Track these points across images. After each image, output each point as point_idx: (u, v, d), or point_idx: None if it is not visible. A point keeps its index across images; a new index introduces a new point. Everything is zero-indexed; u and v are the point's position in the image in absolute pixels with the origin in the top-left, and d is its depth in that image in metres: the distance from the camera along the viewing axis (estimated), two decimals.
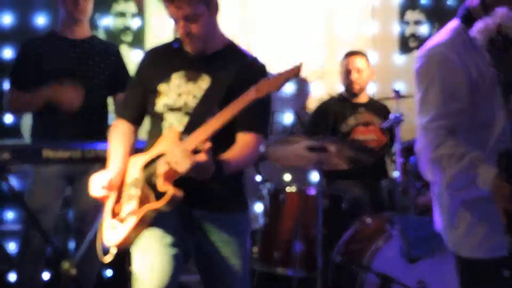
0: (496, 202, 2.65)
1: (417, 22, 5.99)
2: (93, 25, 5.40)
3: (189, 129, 2.95)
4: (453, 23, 2.99)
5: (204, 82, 3.06)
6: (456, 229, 3.01)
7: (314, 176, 4.71)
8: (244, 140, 3.02)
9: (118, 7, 5.63)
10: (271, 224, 4.75)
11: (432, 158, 2.76)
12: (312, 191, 4.70)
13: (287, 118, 5.90)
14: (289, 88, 5.87)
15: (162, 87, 3.09)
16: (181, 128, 3.00)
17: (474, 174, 2.66)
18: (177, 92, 3.07)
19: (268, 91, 2.80)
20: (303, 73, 5.69)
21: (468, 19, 2.98)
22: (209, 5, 3.01)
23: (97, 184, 3.08)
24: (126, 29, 5.66)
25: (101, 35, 5.46)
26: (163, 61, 3.17)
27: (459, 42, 2.89)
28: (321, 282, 4.36)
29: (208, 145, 2.76)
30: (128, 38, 5.66)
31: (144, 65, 3.26)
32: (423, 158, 2.85)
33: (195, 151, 2.78)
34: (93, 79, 4.55)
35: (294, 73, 2.78)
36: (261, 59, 3.22)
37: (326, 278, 4.45)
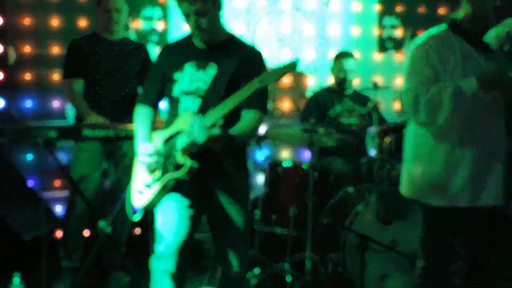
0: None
1: (393, 27, 5.98)
2: (125, 27, 5.43)
3: (201, 110, 3.00)
4: (442, 27, 3.07)
5: (212, 70, 3.09)
6: (422, 181, 3.08)
7: (307, 153, 4.72)
8: (248, 116, 3.08)
9: (146, 12, 5.63)
10: (270, 193, 4.75)
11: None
12: (305, 166, 4.69)
13: (285, 105, 5.91)
14: (288, 80, 5.89)
15: (177, 75, 3.12)
16: (195, 109, 3.04)
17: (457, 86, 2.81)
18: (190, 79, 3.10)
19: (270, 81, 2.84)
20: (300, 68, 5.77)
21: (454, 26, 3.02)
22: (215, 2, 3.05)
23: (144, 153, 3.09)
24: (153, 30, 5.65)
25: (131, 35, 5.46)
26: (176, 54, 3.20)
27: (440, 41, 2.99)
28: (311, 240, 4.38)
29: (221, 121, 2.82)
30: (154, 38, 5.65)
31: (161, 59, 3.29)
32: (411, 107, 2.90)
33: (211, 126, 2.82)
34: (128, 72, 4.59)
35: (292, 67, 2.82)
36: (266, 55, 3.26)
37: (315, 237, 4.44)
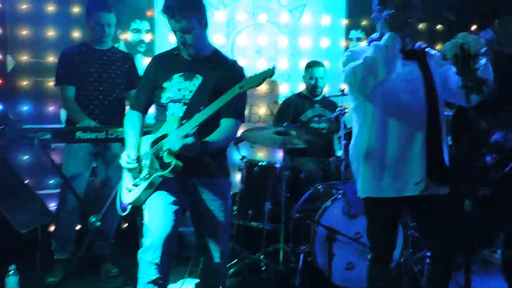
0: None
1: (358, 39, 6.00)
2: (116, 38, 5.41)
3: (186, 116, 3.01)
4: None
5: (197, 80, 3.10)
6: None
7: (280, 154, 4.73)
8: (226, 124, 3.10)
9: (135, 25, 5.60)
10: (247, 189, 4.75)
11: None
12: (278, 165, 4.69)
13: (261, 110, 5.91)
14: (263, 87, 5.89)
15: (165, 84, 3.13)
16: (180, 115, 3.05)
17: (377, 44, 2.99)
18: (177, 88, 3.11)
19: (250, 86, 2.85)
20: (274, 76, 5.77)
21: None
22: (201, 22, 3.07)
23: (127, 159, 3.11)
24: (141, 41, 5.63)
25: (121, 46, 5.44)
26: (166, 65, 3.20)
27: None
28: (284, 232, 4.42)
29: (194, 131, 2.85)
30: (142, 48, 5.63)
31: (151, 68, 3.28)
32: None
33: (185, 136, 2.84)
34: (115, 79, 4.57)
35: (269, 74, 2.83)
36: (244, 64, 3.28)
37: (287, 230, 4.48)
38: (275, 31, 5.89)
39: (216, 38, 5.68)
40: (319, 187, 4.62)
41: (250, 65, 5.78)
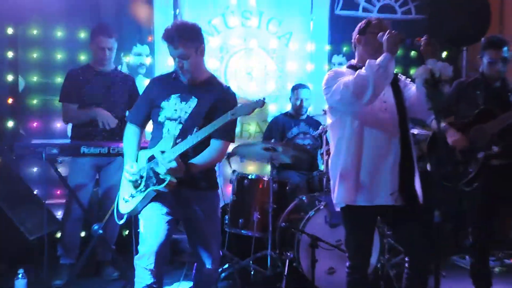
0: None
1: (340, 63, 6.00)
2: (119, 61, 5.40)
3: (181, 135, 3.00)
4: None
5: (193, 102, 3.09)
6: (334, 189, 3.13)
7: (268, 168, 4.70)
8: (215, 145, 3.08)
9: (136, 49, 5.59)
10: (238, 200, 4.70)
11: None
12: (266, 178, 4.66)
13: (252, 128, 5.89)
14: None
15: (163, 104, 3.11)
16: (175, 133, 3.03)
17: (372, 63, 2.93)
18: (174, 108, 3.10)
19: (240, 114, 2.83)
20: (264, 95, 5.75)
21: (351, 67, 3.20)
22: (197, 49, 3.07)
23: (130, 170, 3.09)
24: (142, 64, 5.61)
25: (124, 68, 5.42)
26: (165, 86, 3.19)
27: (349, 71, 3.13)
28: (271, 240, 4.39)
29: (177, 156, 2.88)
30: (143, 71, 5.61)
31: (151, 87, 3.28)
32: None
33: (170, 161, 2.89)
34: (117, 98, 4.54)
35: (259, 105, 2.82)
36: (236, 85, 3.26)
37: (274, 237, 4.44)
38: (265, 56, 5.87)
39: (211, 62, 5.66)
40: (303, 198, 4.58)
41: (242, 87, 5.78)
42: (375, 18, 3.25)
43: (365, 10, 6.17)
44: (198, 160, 3.01)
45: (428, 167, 4.15)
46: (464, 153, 3.87)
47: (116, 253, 4.42)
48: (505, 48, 3.84)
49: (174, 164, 2.86)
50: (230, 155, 4.80)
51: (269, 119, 5.69)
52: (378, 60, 2.94)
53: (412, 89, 3.11)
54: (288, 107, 5.57)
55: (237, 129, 5.71)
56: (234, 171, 4.81)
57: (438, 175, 4.03)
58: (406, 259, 3.20)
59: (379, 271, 4.41)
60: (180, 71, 3.08)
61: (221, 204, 4.91)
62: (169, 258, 4.67)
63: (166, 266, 4.45)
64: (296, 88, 5.40)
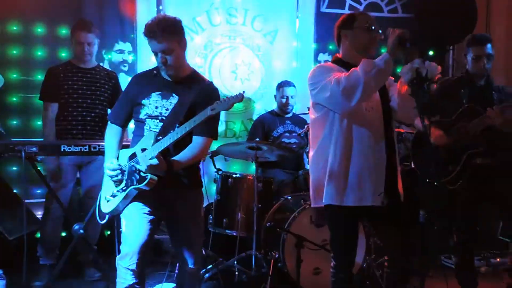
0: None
1: (326, 61, 5.99)
2: (101, 58, 5.35)
3: (162, 132, 2.96)
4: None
5: (174, 99, 3.05)
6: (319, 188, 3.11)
7: (253, 167, 4.69)
8: (197, 142, 3.05)
9: (118, 46, 5.55)
10: (222, 200, 4.68)
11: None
12: (251, 177, 4.64)
13: (237, 126, 5.86)
14: (238, 105, 5.84)
15: (144, 101, 3.07)
16: (156, 130, 3.00)
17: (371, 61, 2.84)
18: (155, 106, 3.06)
19: (220, 109, 2.81)
20: (249, 95, 5.76)
21: (337, 61, 3.16)
22: (180, 43, 3.02)
23: (111, 166, 3.05)
24: (124, 61, 5.57)
25: (106, 65, 5.37)
26: (145, 83, 3.14)
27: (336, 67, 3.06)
28: (256, 240, 4.37)
29: (158, 154, 2.84)
30: (125, 68, 5.57)
31: (131, 86, 3.23)
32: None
33: (151, 158, 2.85)
34: (99, 96, 4.51)
35: (238, 99, 2.79)
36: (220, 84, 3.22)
37: (259, 237, 4.42)
38: (250, 54, 5.85)
39: (195, 60, 5.64)
40: (288, 197, 4.58)
41: (226, 85, 5.75)
42: (360, 12, 3.22)
43: (351, 8, 6.18)
44: (180, 157, 2.98)
45: (412, 165, 4.17)
46: (448, 152, 3.89)
47: (97, 253, 4.38)
48: (489, 45, 3.86)
49: (155, 162, 2.82)
50: (214, 154, 4.78)
51: (255, 118, 5.67)
52: (376, 60, 2.87)
53: (396, 88, 3.09)
54: (273, 106, 5.55)
55: (222, 128, 5.78)
56: (218, 170, 4.78)
57: (423, 173, 4.04)
58: (386, 257, 3.22)
59: (365, 271, 4.41)
60: (164, 67, 3.03)
61: (205, 203, 4.93)
62: (152, 259, 4.67)
63: (148, 266, 4.46)
64: (281, 86, 5.38)
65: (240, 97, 2.78)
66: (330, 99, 2.95)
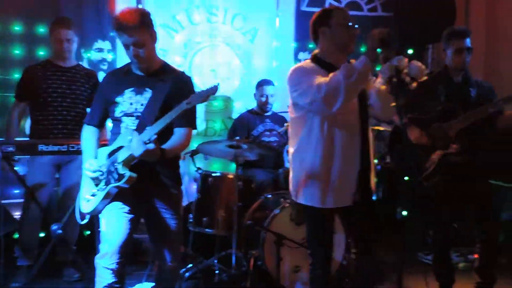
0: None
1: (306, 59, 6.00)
2: (80, 57, 5.33)
3: (139, 128, 2.96)
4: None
5: (148, 94, 3.04)
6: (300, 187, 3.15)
7: (233, 166, 4.70)
8: (180, 133, 3.06)
9: (98, 44, 5.53)
10: (202, 199, 4.67)
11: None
12: (231, 176, 4.65)
13: (217, 125, 5.87)
14: (218, 104, 5.86)
15: (118, 99, 3.06)
16: (133, 128, 3.00)
17: (351, 66, 2.84)
18: (130, 102, 3.05)
19: (196, 102, 2.81)
20: (229, 92, 5.78)
21: (315, 59, 3.15)
22: (151, 35, 3.02)
23: (90, 167, 3.04)
24: (103, 60, 5.55)
25: (85, 64, 5.34)
26: (118, 81, 3.13)
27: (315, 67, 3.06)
28: (236, 238, 4.37)
29: (155, 137, 2.80)
30: (105, 67, 5.55)
31: (104, 85, 3.23)
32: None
33: (147, 142, 2.79)
34: (78, 95, 4.49)
35: (213, 91, 2.80)
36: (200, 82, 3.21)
37: (239, 235, 4.43)
38: (230, 52, 5.86)
39: (175, 58, 5.64)
40: (268, 196, 4.59)
41: (206, 83, 5.72)
42: (335, 7, 3.22)
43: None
44: (167, 145, 2.98)
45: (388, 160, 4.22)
46: (425, 149, 3.93)
47: (76, 253, 4.36)
48: (468, 39, 3.90)
49: (152, 146, 2.79)
50: (194, 153, 4.79)
51: (234, 116, 5.69)
52: (355, 65, 2.86)
53: (375, 85, 3.12)
54: (254, 104, 5.57)
55: (203, 127, 5.79)
56: (198, 169, 4.79)
57: (400, 170, 4.09)
58: (353, 251, 3.32)
59: (345, 268, 4.44)
60: (136, 60, 3.02)
61: (186, 202, 4.95)
62: (132, 258, 4.66)
63: (128, 266, 4.45)
64: (261, 84, 5.40)
65: (214, 89, 2.80)
66: (311, 105, 2.96)
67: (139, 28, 2.93)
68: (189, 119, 3.08)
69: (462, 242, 5.18)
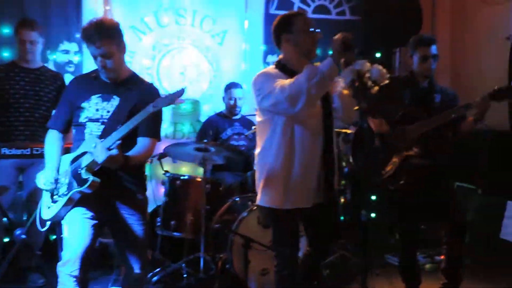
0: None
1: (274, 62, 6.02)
2: (46, 59, 5.25)
3: (104, 135, 2.92)
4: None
5: (115, 101, 3.02)
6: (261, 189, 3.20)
7: (200, 169, 4.68)
8: (142, 143, 3.02)
9: (64, 46, 5.44)
10: (170, 202, 4.65)
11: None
12: (199, 179, 4.63)
13: (185, 128, 5.84)
14: (187, 107, 5.83)
15: (84, 104, 3.02)
16: (98, 134, 2.96)
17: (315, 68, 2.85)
18: (96, 108, 3.02)
19: (162, 105, 2.80)
20: (198, 95, 5.74)
21: (278, 65, 3.19)
22: (119, 46, 3.00)
23: (44, 180, 3.00)
24: (70, 62, 5.46)
25: (51, 66, 5.25)
26: (85, 86, 3.10)
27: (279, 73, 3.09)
28: (204, 242, 4.37)
29: (119, 143, 2.77)
30: (71, 69, 5.47)
31: (70, 89, 3.18)
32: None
33: (110, 148, 2.76)
34: (43, 97, 4.42)
35: (179, 94, 2.79)
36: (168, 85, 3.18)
37: (207, 239, 4.42)
38: (198, 55, 5.82)
39: (143, 61, 5.59)
40: (236, 199, 4.59)
41: (175, 86, 5.70)
42: (296, 13, 3.23)
43: (300, 10, 6.24)
44: (131, 153, 2.95)
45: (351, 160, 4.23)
46: (387, 153, 3.97)
47: (41, 259, 4.29)
48: (435, 46, 3.96)
49: (115, 152, 2.76)
50: (162, 156, 4.75)
51: (203, 119, 5.66)
52: (320, 66, 2.88)
53: (339, 89, 3.16)
54: (222, 107, 5.56)
55: (171, 129, 5.75)
56: (166, 172, 4.75)
57: (363, 173, 4.11)
58: (308, 248, 3.41)
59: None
60: (104, 70, 3.01)
61: (154, 206, 4.92)
62: (98, 263, 4.62)
63: (95, 270, 4.41)
64: (229, 87, 5.39)
65: (181, 92, 2.78)
66: (275, 106, 2.99)
67: (106, 39, 2.92)
68: (153, 129, 3.07)
69: (429, 244, 5.24)
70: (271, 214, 3.19)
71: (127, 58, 5.36)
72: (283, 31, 3.14)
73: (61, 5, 5.40)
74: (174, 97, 2.78)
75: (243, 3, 5.96)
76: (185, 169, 5.69)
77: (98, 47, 2.92)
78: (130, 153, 2.95)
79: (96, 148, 2.81)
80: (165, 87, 5.68)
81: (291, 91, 2.89)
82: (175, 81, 5.73)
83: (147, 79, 5.44)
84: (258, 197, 3.24)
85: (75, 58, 5.48)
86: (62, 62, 5.43)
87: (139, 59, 5.59)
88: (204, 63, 5.84)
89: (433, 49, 3.94)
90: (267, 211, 3.19)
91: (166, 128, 5.73)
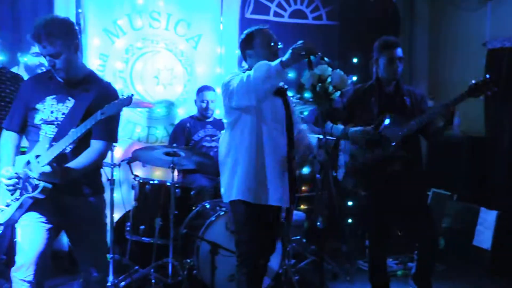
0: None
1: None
2: (16, 61, 5.17)
3: (57, 137, 2.86)
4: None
5: (70, 103, 2.95)
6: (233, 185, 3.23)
7: (170, 173, 4.61)
8: (95, 146, 2.96)
9: (35, 49, 5.33)
10: (139, 207, 4.58)
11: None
12: (169, 183, 4.56)
13: (158, 131, 5.77)
14: (161, 111, 5.76)
15: (39, 106, 2.96)
16: (52, 136, 2.90)
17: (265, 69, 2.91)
18: (50, 110, 2.95)
19: (110, 112, 2.74)
20: (172, 99, 5.68)
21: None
22: (70, 46, 2.91)
23: (6, 176, 2.92)
24: (41, 65, 5.36)
25: (21, 68, 5.18)
26: (39, 87, 3.03)
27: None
28: (173, 247, 4.31)
29: (51, 161, 2.76)
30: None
31: (25, 90, 3.11)
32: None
33: (43, 165, 2.75)
34: (4, 98, 4.34)
35: (127, 102, 2.74)
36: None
37: (176, 244, 4.36)
38: (172, 58, 5.76)
39: (116, 64, 5.52)
40: (206, 204, 4.54)
41: (148, 90, 5.66)
42: (257, 29, 3.30)
43: (276, 14, 6.22)
44: (76, 163, 2.89)
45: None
46: (358, 156, 3.94)
47: (5, 263, 4.20)
48: (399, 48, 3.94)
49: (47, 169, 2.73)
50: (131, 160, 4.69)
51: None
52: (272, 67, 2.91)
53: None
54: (195, 110, 5.50)
55: (144, 133, 5.68)
56: (136, 176, 4.68)
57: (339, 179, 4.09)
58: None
59: (282, 276, 4.42)
60: (53, 70, 2.95)
61: (124, 211, 4.85)
62: (65, 267, 4.56)
63: (60, 277, 4.34)
64: (201, 90, 5.35)
65: (128, 100, 2.73)
66: (238, 99, 3.08)
67: (53, 39, 2.84)
68: (107, 131, 3.00)
69: (402, 250, 5.23)
70: (241, 209, 3.20)
71: (99, 61, 5.43)
72: (246, 47, 3.32)
73: (32, 8, 5.31)
74: (122, 105, 2.74)
75: (218, 7, 5.91)
76: (158, 173, 5.62)
77: (44, 46, 2.86)
78: (75, 162, 2.89)
79: (31, 165, 2.80)
80: (139, 91, 5.60)
81: (243, 84, 3.01)
82: (148, 85, 5.67)
83: (120, 82, 5.50)
84: (228, 194, 3.26)
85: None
86: (33, 65, 5.33)
87: (112, 62, 5.52)
88: (178, 67, 5.78)
89: (399, 51, 3.92)
90: (239, 205, 3.20)
91: (139, 132, 5.66)
